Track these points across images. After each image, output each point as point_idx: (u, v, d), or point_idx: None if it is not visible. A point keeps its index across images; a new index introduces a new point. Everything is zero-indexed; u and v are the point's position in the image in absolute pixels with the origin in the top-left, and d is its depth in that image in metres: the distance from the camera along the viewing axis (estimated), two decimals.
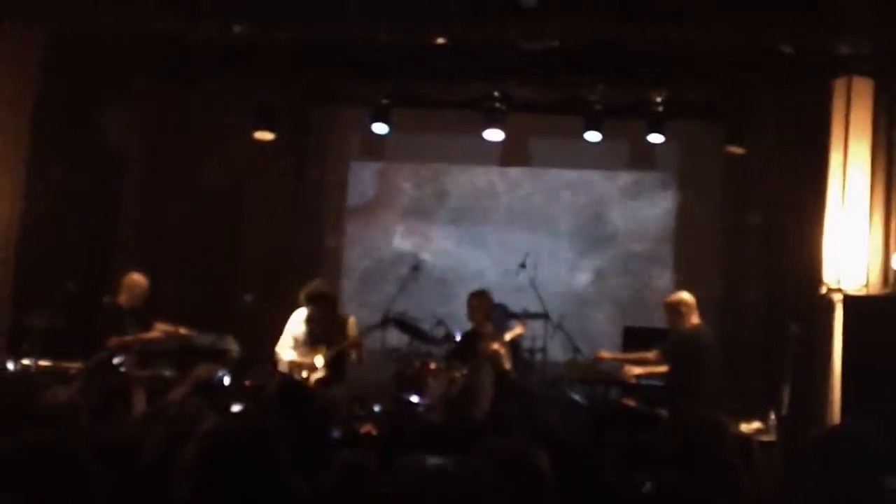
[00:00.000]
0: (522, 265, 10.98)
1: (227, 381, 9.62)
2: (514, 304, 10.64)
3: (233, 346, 10.08)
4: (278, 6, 9.14)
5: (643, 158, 12.49)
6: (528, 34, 9.47)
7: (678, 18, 8.81)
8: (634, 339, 10.68)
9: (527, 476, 3.03)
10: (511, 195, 12.83)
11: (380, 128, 11.65)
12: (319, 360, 8.93)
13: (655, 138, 11.42)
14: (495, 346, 9.48)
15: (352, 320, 9.20)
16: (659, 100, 11.11)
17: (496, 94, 11.17)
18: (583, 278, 12.66)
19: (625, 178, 12.73)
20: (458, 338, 10.21)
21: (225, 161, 11.91)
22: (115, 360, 8.92)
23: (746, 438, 5.85)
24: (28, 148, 9.46)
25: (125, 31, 9.49)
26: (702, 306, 8.99)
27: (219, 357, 9.85)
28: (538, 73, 10.60)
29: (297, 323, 9.06)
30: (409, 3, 8.98)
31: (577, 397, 10.05)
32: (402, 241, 12.80)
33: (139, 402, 8.72)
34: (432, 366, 9.91)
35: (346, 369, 9.15)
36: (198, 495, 3.00)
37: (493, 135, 11.46)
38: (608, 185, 12.75)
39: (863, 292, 8.88)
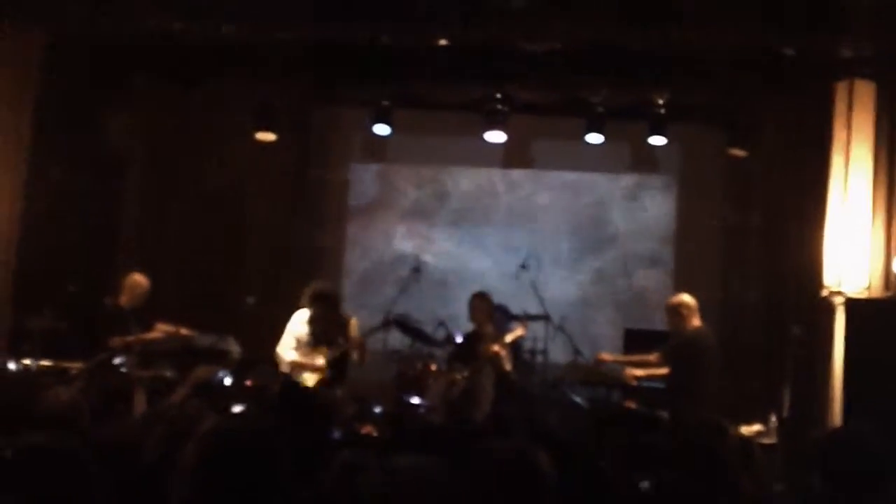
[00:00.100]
0: (523, 267, 10.98)
1: (227, 381, 9.61)
2: (515, 306, 10.64)
3: (234, 347, 10.07)
4: (279, 7, 9.13)
5: (645, 160, 12.49)
6: (530, 36, 9.47)
7: (680, 20, 8.80)
8: (635, 341, 10.68)
9: (528, 477, 3.02)
10: (512, 197, 12.83)
11: (381, 129, 11.65)
12: (321, 361, 8.92)
13: (657, 140, 11.41)
14: (496, 347, 9.49)
15: (353, 321, 9.18)
16: (661, 102, 11.11)
17: (498, 95, 11.16)
18: (584, 280, 12.65)
19: (626, 180, 12.73)
20: (458, 339, 10.21)
21: (226, 162, 11.90)
22: (116, 361, 8.92)
23: (747, 441, 5.84)
24: (28, 148, 9.45)
25: (125, 32, 9.48)
26: (703, 308, 8.99)
27: (219, 358, 9.84)
28: (540, 75, 10.59)
29: (298, 324, 9.04)
30: (410, 5, 8.97)
31: (577, 399, 10.04)
32: (402, 243, 12.79)
33: (140, 403, 8.72)
34: (433, 367, 9.92)
35: (347, 370, 9.14)
36: (197, 496, 2.99)
37: (495, 137, 11.46)
38: (609, 187, 12.75)
39: (864, 295, 8.87)
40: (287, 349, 9.00)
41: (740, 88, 10.77)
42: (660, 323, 9.52)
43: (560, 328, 10.58)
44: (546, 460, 3.07)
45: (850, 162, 9.02)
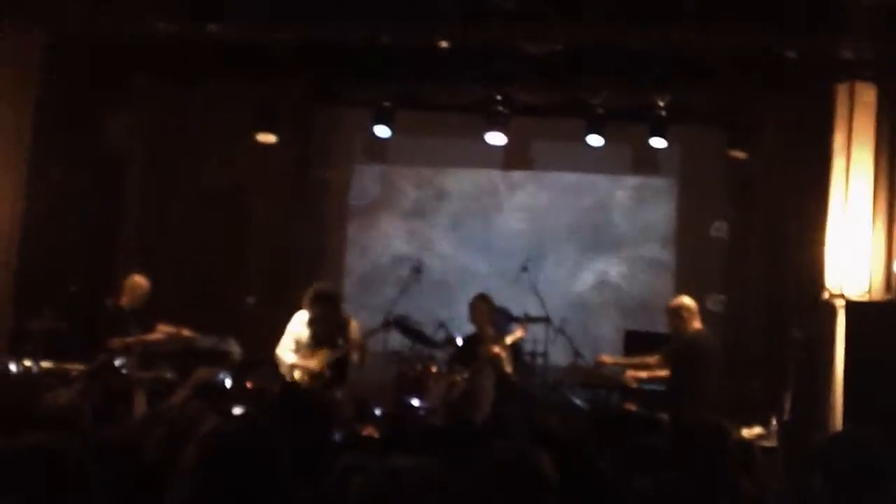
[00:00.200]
0: (524, 269, 10.98)
1: (228, 383, 9.61)
2: (516, 308, 10.63)
3: (234, 349, 10.07)
4: (281, 7, 9.13)
5: (645, 162, 12.48)
6: (531, 37, 9.47)
7: (681, 22, 8.80)
8: (636, 343, 10.67)
9: (530, 479, 3.02)
10: (513, 198, 12.82)
11: (382, 130, 11.65)
12: (321, 363, 8.90)
13: (658, 142, 11.41)
14: (496, 349, 9.49)
15: (353, 322, 9.18)
16: (661, 104, 11.10)
17: (498, 97, 11.16)
18: (584, 282, 12.64)
19: (627, 182, 12.72)
20: (459, 341, 10.20)
21: (227, 162, 11.90)
22: (117, 362, 8.92)
23: (748, 444, 5.84)
24: (29, 148, 9.44)
25: (126, 32, 9.48)
26: (703, 311, 8.99)
27: (220, 359, 9.85)
28: (540, 76, 10.59)
29: (298, 325, 9.03)
30: (411, 6, 8.97)
31: (578, 401, 10.04)
32: (403, 244, 12.79)
33: (140, 404, 8.72)
34: (433, 369, 9.92)
35: (346, 371, 9.14)
36: (197, 497, 2.99)
37: (496, 138, 11.45)
38: (610, 189, 12.74)
39: (865, 298, 8.87)
40: (286, 350, 8.99)
41: (741, 90, 10.77)
42: (661, 325, 9.52)
43: (560, 330, 10.58)
44: (547, 462, 3.07)
45: (851, 164, 9.02)
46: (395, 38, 9.55)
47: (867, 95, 9.07)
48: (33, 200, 9.58)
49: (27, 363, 8.87)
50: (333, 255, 12.83)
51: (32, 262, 9.63)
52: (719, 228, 12.09)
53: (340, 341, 8.89)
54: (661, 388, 9.07)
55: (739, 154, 11.23)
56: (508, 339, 9.66)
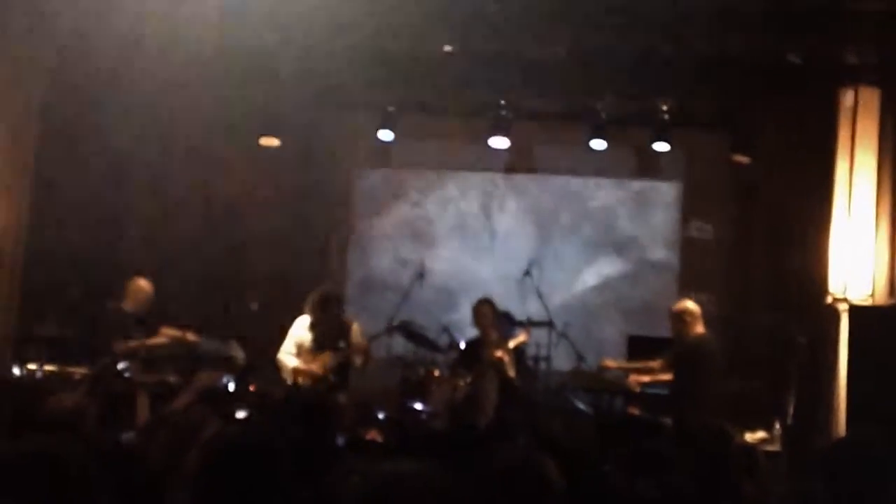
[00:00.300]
0: (527, 273, 10.98)
1: (231, 387, 9.62)
2: (519, 312, 10.63)
3: (238, 353, 10.07)
4: (287, 13, 9.14)
5: (649, 167, 12.48)
6: (535, 42, 9.47)
7: (684, 27, 8.80)
8: (638, 347, 10.66)
9: (535, 484, 3.02)
10: (516, 203, 12.82)
11: (386, 135, 11.66)
12: (324, 367, 8.90)
13: (661, 146, 11.41)
14: (499, 353, 9.49)
15: (356, 326, 9.17)
16: (664, 108, 11.11)
17: (502, 101, 11.17)
18: (587, 286, 12.64)
19: (630, 186, 12.72)
20: (462, 345, 10.20)
21: (231, 166, 11.90)
22: (120, 366, 8.92)
23: (751, 448, 5.84)
24: (34, 154, 9.45)
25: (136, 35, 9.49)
26: (706, 315, 8.98)
27: (223, 363, 9.85)
28: (544, 81, 10.59)
29: (300, 329, 9.03)
30: (416, 12, 8.98)
31: (581, 405, 10.03)
32: (407, 249, 12.79)
33: (143, 408, 8.73)
34: (437, 373, 9.92)
35: (349, 375, 9.13)
36: (199, 501, 2.99)
37: (499, 143, 11.46)
38: (613, 193, 12.74)
39: (868, 302, 8.87)
40: (288, 354, 8.97)
41: (745, 95, 10.77)
42: (664, 329, 9.51)
43: (563, 334, 10.58)
44: (552, 467, 3.07)
45: (855, 168, 9.02)
46: (399, 42, 9.55)
47: (870, 99, 9.08)
48: (38, 206, 9.59)
49: (31, 367, 8.89)
50: (337, 259, 12.83)
51: (36, 267, 9.64)
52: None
53: (342, 345, 8.89)
54: (665, 392, 9.07)
55: (742, 158, 11.23)
56: (512, 343, 9.65)
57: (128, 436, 5.09)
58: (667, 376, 8.97)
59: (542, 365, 10.71)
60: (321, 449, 4.88)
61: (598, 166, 12.36)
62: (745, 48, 9.17)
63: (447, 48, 9.59)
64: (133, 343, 9.13)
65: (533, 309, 10.67)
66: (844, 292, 8.91)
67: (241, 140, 11.55)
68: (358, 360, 9.01)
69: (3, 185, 9.19)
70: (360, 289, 12.65)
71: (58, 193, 10.11)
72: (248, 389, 9.82)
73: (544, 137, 12.50)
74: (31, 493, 2.78)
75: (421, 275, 11.21)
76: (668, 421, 8.72)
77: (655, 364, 9.15)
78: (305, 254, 12.40)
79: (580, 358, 10.31)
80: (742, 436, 8.53)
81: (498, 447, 3.62)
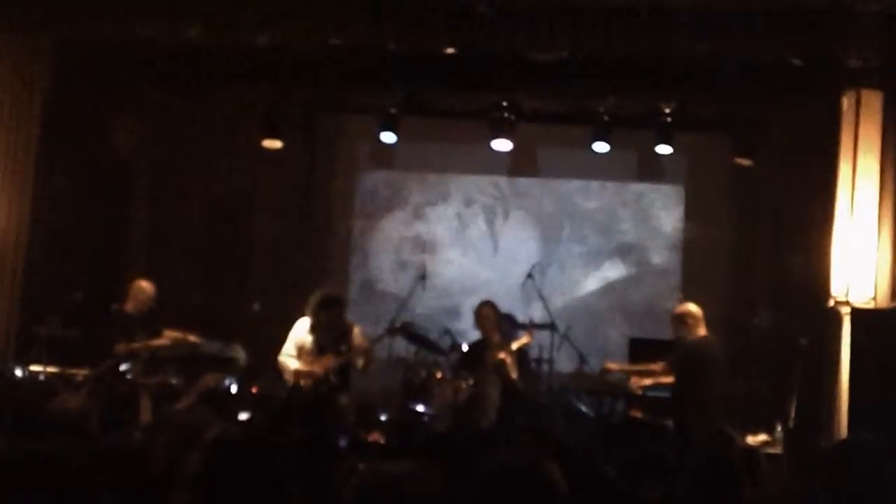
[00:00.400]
0: (529, 275, 10.98)
1: (234, 388, 9.63)
2: (521, 315, 10.64)
3: (240, 354, 10.09)
4: (287, 15, 9.15)
5: (651, 169, 12.48)
6: (537, 44, 9.47)
7: (687, 30, 8.80)
8: (640, 350, 10.66)
9: (538, 486, 3.02)
10: (519, 205, 12.83)
11: (388, 137, 11.66)
12: (325, 369, 8.89)
13: (664, 149, 11.41)
14: (502, 355, 9.48)
15: (357, 328, 9.15)
16: (667, 111, 11.11)
17: (504, 103, 11.17)
18: (590, 289, 12.64)
19: (633, 188, 12.72)
20: (464, 347, 10.20)
21: (232, 168, 11.92)
22: (122, 367, 8.94)
23: (753, 450, 5.84)
24: (37, 157, 9.47)
25: (133, 40, 9.49)
26: (708, 317, 8.99)
27: (226, 365, 9.87)
28: (547, 83, 10.59)
29: (301, 331, 9.01)
30: (417, 12, 8.98)
31: (583, 408, 10.05)
32: (408, 251, 12.79)
33: (146, 410, 8.75)
34: (439, 375, 9.91)
35: (350, 377, 9.12)
36: (202, 503, 3.00)
37: (502, 145, 11.46)
38: (616, 195, 12.74)
39: (870, 305, 8.86)
40: (288, 357, 8.93)
41: (747, 98, 10.77)
42: (667, 332, 9.51)
43: (566, 337, 10.58)
44: (555, 469, 3.07)
45: (857, 171, 9.02)
46: (401, 44, 9.55)
47: (873, 103, 9.07)
48: (41, 208, 9.61)
49: (34, 369, 8.90)
50: (338, 260, 12.84)
51: (39, 268, 9.66)
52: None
53: (343, 347, 8.86)
54: (667, 395, 9.07)
55: (745, 161, 11.23)
56: (514, 346, 9.65)
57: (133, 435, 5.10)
58: (668, 379, 8.96)
59: (545, 367, 10.71)
60: (321, 449, 4.89)
61: (601, 169, 12.36)
62: (748, 51, 9.16)
63: (450, 49, 9.58)
64: (135, 345, 9.15)
65: (535, 311, 10.68)
66: (846, 295, 8.90)
67: (243, 142, 11.58)
68: (360, 363, 8.99)
69: (4, 186, 9.21)
70: (362, 291, 12.65)
71: (59, 194, 10.13)
72: (250, 391, 9.84)
73: (547, 140, 12.50)
74: (33, 495, 2.79)
75: (423, 277, 11.22)
76: (669, 423, 8.73)
77: (657, 367, 9.15)
78: (308, 256, 12.41)
79: (582, 360, 10.32)
80: (743, 438, 8.54)
81: (500, 449, 3.62)
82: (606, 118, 11.26)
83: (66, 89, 9.78)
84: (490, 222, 12.83)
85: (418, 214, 12.90)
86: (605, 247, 12.68)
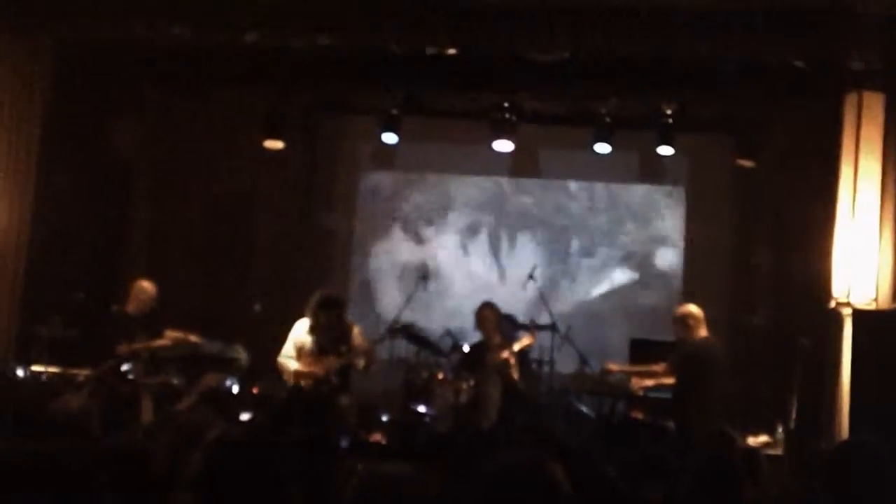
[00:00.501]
0: (531, 276, 10.98)
1: (235, 389, 9.64)
2: (523, 316, 10.63)
3: (241, 355, 10.10)
4: (288, 15, 9.15)
5: (653, 170, 12.48)
6: (538, 45, 9.48)
7: (688, 30, 8.80)
8: (642, 351, 10.66)
9: (540, 487, 3.02)
10: (520, 206, 12.83)
11: (389, 137, 11.66)
12: (326, 370, 8.88)
13: (665, 150, 11.41)
14: (503, 356, 9.48)
15: (357, 329, 9.14)
16: (669, 112, 11.11)
17: (506, 104, 11.17)
18: (591, 290, 12.64)
19: (634, 189, 12.72)
20: (465, 348, 10.20)
21: (233, 169, 11.93)
22: (124, 368, 8.94)
23: (754, 451, 5.84)
24: (38, 157, 9.47)
25: (135, 41, 9.50)
26: (710, 319, 8.99)
27: (227, 365, 9.88)
28: (548, 84, 10.60)
29: (300, 332, 8.99)
30: (419, 13, 8.98)
31: (584, 409, 10.04)
32: (410, 251, 12.79)
33: (147, 410, 8.75)
34: (440, 376, 9.92)
35: (350, 378, 9.10)
36: (202, 503, 3.00)
37: (503, 146, 11.46)
38: (617, 196, 12.74)
39: (872, 306, 8.85)
40: (287, 358, 8.91)
41: (749, 99, 10.77)
42: (668, 333, 9.51)
43: (567, 338, 10.58)
44: (557, 470, 3.07)
45: (859, 173, 9.01)
46: (402, 44, 9.55)
47: (875, 104, 9.06)
48: (42, 209, 9.62)
49: (35, 369, 8.91)
50: (340, 261, 12.84)
51: (40, 269, 9.66)
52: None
53: (343, 348, 8.85)
54: (668, 395, 9.07)
55: (747, 162, 11.23)
56: (516, 347, 9.64)
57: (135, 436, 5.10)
58: (670, 380, 8.97)
59: (546, 368, 10.71)
60: (322, 449, 4.89)
61: (603, 170, 12.36)
62: (749, 51, 9.16)
63: (451, 51, 9.59)
64: (136, 345, 9.15)
65: (536, 312, 10.67)
66: (848, 296, 8.90)
67: (244, 142, 11.59)
68: (361, 363, 8.97)
69: (4, 186, 9.21)
70: (362, 292, 12.66)
71: (60, 194, 10.13)
72: (251, 391, 9.84)
73: (548, 141, 12.50)
74: (34, 496, 2.79)
75: (424, 278, 11.22)
76: (670, 424, 8.73)
77: (658, 368, 9.15)
78: (308, 256, 12.41)
79: (584, 361, 10.31)
80: (744, 439, 8.54)
81: (501, 450, 3.61)
82: (608, 119, 11.26)
83: (66, 89, 9.78)
84: (491, 223, 12.82)
85: (419, 215, 12.90)
86: (607, 247, 12.67)
